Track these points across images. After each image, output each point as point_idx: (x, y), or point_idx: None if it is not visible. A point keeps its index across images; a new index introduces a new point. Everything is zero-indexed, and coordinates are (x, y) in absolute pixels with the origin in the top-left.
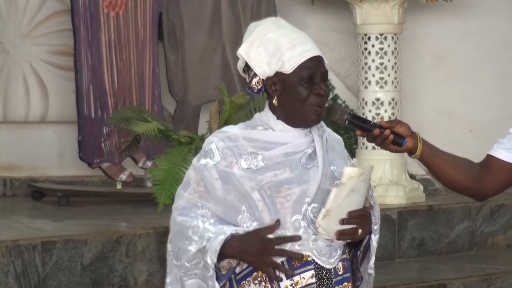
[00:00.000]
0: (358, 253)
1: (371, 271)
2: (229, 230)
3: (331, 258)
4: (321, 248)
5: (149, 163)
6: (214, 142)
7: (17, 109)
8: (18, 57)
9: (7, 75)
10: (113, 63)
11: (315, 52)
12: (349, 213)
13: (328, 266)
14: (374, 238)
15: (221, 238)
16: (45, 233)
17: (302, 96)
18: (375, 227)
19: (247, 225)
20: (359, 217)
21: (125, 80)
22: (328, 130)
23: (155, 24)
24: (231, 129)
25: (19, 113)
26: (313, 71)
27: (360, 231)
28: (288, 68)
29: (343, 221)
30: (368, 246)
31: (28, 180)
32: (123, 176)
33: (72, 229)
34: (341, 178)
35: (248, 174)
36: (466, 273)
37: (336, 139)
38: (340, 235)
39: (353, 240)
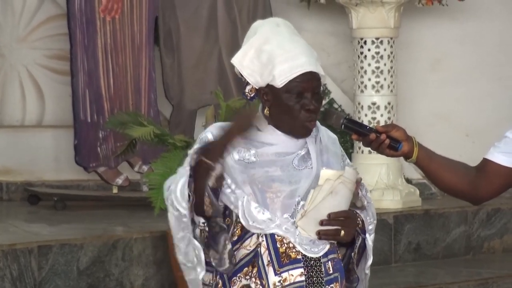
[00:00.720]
0: (353, 254)
1: (368, 271)
2: None
3: (315, 248)
4: (305, 242)
5: (145, 168)
6: (209, 131)
7: (14, 113)
8: (15, 61)
9: (3, 79)
10: (109, 67)
11: (307, 67)
12: (329, 215)
13: (311, 255)
14: (370, 238)
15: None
16: (41, 237)
17: (292, 111)
18: (370, 226)
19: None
20: (342, 219)
21: (121, 84)
22: (323, 129)
23: (151, 28)
24: (227, 124)
25: (15, 117)
26: (304, 86)
27: (342, 232)
28: (279, 83)
29: (322, 222)
30: (363, 246)
31: (24, 184)
32: (119, 180)
33: (68, 233)
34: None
35: (240, 167)
36: (462, 277)
37: (330, 137)
38: (322, 234)
39: (335, 240)
